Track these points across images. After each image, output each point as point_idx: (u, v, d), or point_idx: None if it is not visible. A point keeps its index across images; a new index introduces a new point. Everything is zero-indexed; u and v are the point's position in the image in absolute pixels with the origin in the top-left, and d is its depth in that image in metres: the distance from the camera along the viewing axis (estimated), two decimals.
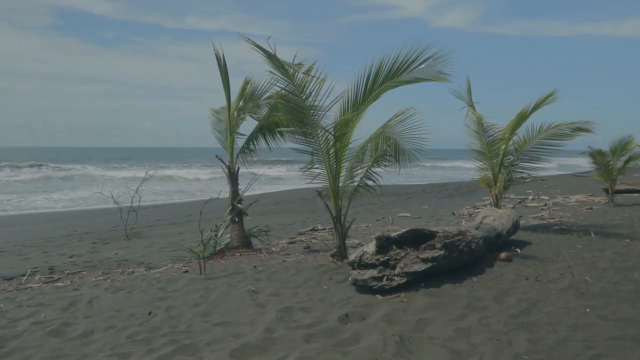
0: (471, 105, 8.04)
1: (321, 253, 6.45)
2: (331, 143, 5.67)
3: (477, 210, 10.70)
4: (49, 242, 9.21)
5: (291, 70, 5.40)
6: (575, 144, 7.90)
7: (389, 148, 5.88)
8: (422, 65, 5.65)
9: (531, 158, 7.89)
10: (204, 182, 27.24)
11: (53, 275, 5.89)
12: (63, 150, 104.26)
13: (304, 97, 5.53)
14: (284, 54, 5.51)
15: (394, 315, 3.68)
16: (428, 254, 4.57)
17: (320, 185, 5.86)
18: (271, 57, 5.30)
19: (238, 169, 7.18)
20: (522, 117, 7.97)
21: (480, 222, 6.12)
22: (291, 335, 3.37)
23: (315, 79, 5.46)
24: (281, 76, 5.49)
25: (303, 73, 5.43)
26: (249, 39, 5.27)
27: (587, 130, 7.55)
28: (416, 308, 3.87)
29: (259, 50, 5.28)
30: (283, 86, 5.58)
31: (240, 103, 7.33)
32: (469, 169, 10.16)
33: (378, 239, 4.69)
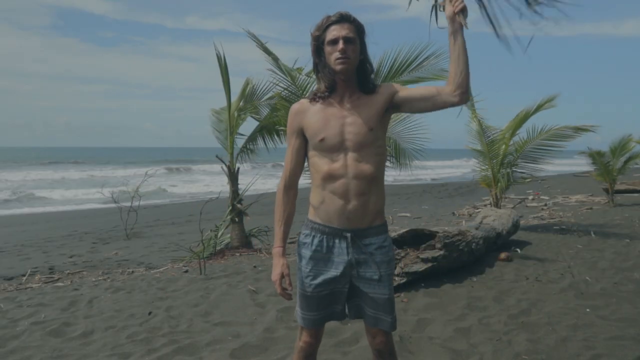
0: (472, 106, 8.02)
1: None
2: None
3: (477, 210, 10.70)
4: (49, 242, 9.20)
5: (292, 73, 5.45)
6: (575, 144, 7.91)
7: (389, 147, 5.89)
8: (423, 64, 5.65)
9: (532, 158, 7.89)
10: (204, 183, 27.20)
11: (53, 275, 5.89)
12: (63, 150, 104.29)
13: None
14: (285, 54, 5.61)
15: None
16: (428, 254, 4.57)
17: None
18: (273, 59, 5.33)
19: (238, 169, 7.19)
20: (524, 119, 7.97)
21: (480, 222, 6.11)
22: (291, 335, 3.36)
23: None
24: (283, 77, 5.52)
25: (305, 75, 5.47)
26: (256, 39, 5.29)
27: (586, 130, 7.54)
28: (416, 308, 3.88)
29: (264, 52, 5.32)
30: (285, 87, 5.61)
31: (241, 103, 7.33)
32: (469, 169, 10.17)
33: None
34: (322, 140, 1.90)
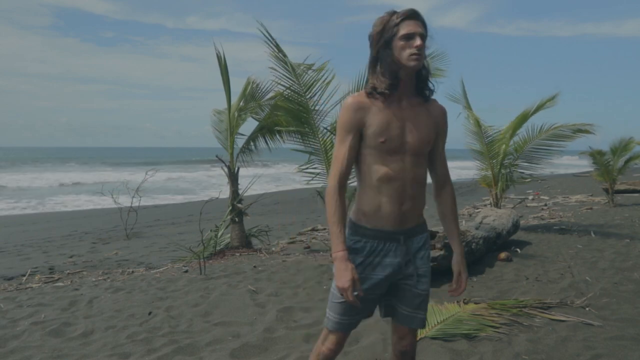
0: (468, 107, 8.04)
1: (321, 253, 6.45)
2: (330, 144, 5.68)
3: (477, 210, 10.70)
4: (49, 242, 9.20)
5: (299, 70, 5.44)
6: (576, 144, 7.92)
7: None
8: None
9: (531, 158, 7.89)
10: (204, 182, 27.21)
11: (53, 275, 5.89)
12: (64, 151, 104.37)
13: (308, 96, 5.54)
14: (288, 55, 5.56)
15: None
16: None
17: (320, 185, 5.86)
18: (281, 53, 5.33)
19: (238, 169, 7.18)
20: (524, 118, 7.97)
21: (480, 222, 6.12)
22: (291, 335, 3.37)
23: (322, 79, 5.52)
24: (287, 75, 5.50)
25: (315, 70, 5.48)
26: (265, 31, 5.30)
27: (587, 132, 7.55)
28: None
29: (271, 44, 5.32)
30: (288, 85, 5.60)
31: (241, 103, 7.33)
32: (469, 169, 10.17)
33: None
34: (383, 142, 1.84)
